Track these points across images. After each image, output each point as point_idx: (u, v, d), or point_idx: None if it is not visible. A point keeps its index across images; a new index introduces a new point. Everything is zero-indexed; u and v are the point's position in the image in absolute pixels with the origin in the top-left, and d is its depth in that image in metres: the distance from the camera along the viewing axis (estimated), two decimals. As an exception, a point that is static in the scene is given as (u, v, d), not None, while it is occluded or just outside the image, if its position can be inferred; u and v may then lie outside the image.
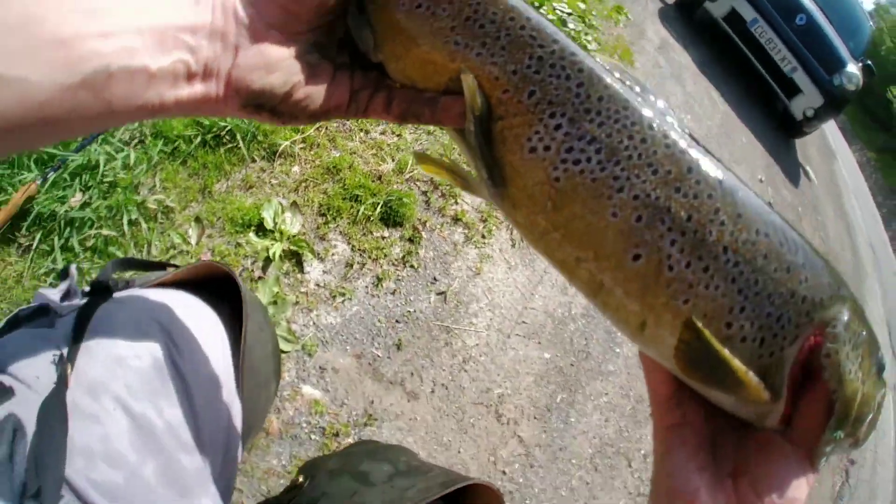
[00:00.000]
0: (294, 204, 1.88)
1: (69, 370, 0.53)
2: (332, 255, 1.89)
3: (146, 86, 0.35)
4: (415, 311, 1.95)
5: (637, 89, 0.43)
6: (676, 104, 4.58)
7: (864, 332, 0.40)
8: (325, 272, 1.86)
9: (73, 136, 0.32)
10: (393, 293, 1.94)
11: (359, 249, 1.93)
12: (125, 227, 1.63)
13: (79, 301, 0.70)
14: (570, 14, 3.86)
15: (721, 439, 0.43)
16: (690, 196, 0.39)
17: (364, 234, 1.96)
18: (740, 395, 0.38)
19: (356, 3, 0.45)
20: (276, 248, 1.77)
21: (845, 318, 0.39)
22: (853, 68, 5.74)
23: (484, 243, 2.22)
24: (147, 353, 0.61)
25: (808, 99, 5.79)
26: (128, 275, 0.85)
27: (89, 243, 1.60)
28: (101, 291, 0.71)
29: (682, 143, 0.40)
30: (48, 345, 0.58)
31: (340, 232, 1.93)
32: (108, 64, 0.33)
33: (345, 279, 1.88)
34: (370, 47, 0.46)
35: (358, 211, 1.94)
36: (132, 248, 1.64)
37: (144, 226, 1.66)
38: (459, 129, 0.45)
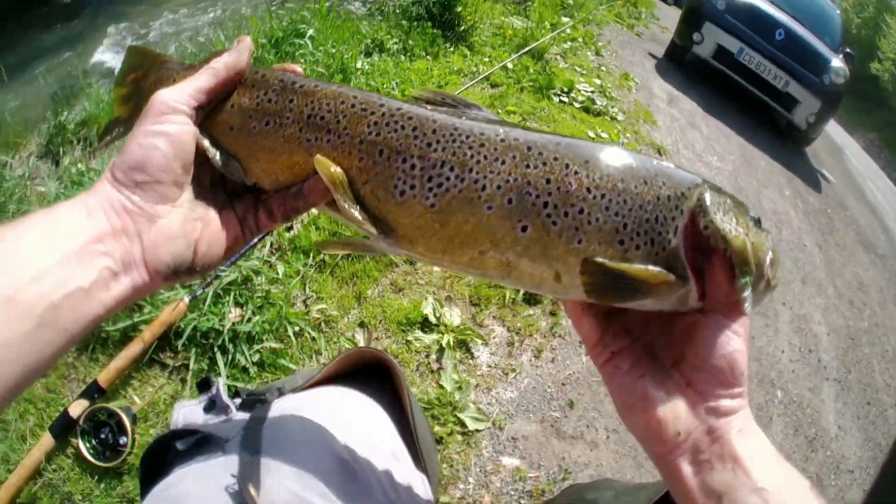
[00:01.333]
0: (448, 298, 2.18)
1: (256, 497, 0.54)
2: (493, 337, 2.15)
3: (87, 301, 0.40)
4: (574, 373, 2.17)
5: (461, 108, 0.51)
6: (701, 150, 4.90)
7: (728, 200, 0.49)
8: (491, 354, 2.10)
9: (46, 371, 0.42)
10: (552, 361, 2.18)
11: (514, 329, 2.19)
12: (292, 339, 1.82)
13: (233, 415, 0.71)
14: (593, 91, 4.33)
15: (653, 351, 0.50)
16: (540, 165, 0.46)
17: (514, 315, 2.23)
18: (654, 291, 0.45)
19: (214, 144, 0.50)
20: (447, 339, 2.01)
21: (707, 196, 0.47)
22: (837, 62, 6.07)
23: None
24: (328, 459, 0.61)
25: (806, 106, 6.04)
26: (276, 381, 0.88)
27: (255, 358, 1.73)
28: (259, 404, 0.72)
29: (514, 133, 0.48)
30: (224, 473, 0.58)
31: (494, 317, 2.21)
32: (51, 300, 0.38)
33: (510, 356, 2.12)
34: (241, 175, 0.51)
35: (504, 296, 2.24)
36: (302, 358, 1.82)
37: (310, 335, 1.87)
38: (335, 208, 0.50)
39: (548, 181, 0.46)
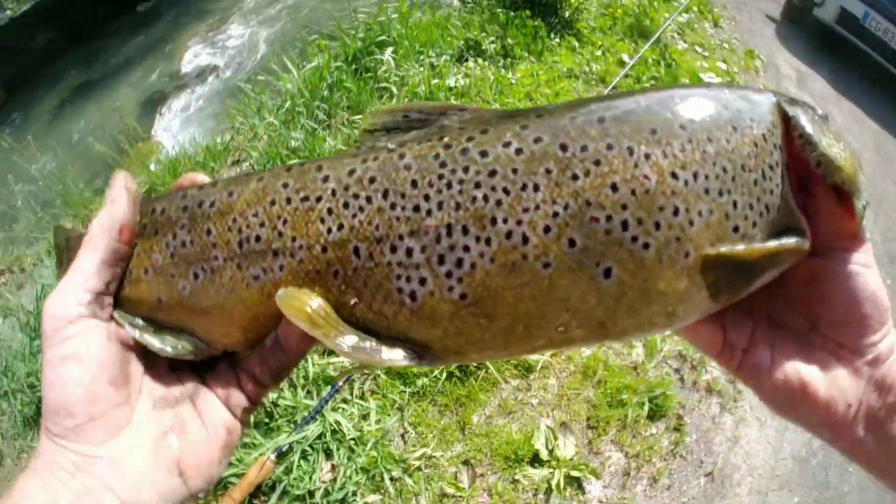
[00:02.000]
0: (563, 424, 1.84)
1: None
2: (609, 466, 1.83)
3: None
4: (688, 500, 1.86)
5: (435, 118, 0.37)
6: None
7: (809, 110, 0.39)
8: (604, 487, 1.80)
9: None
10: (668, 489, 1.87)
11: (632, 455, 1.86)
12: (388, 487, 1.62)
13: None
14: (719, 79, 3.68)
15: (783, 324, 0.43)
16: (592, 167, 0.33)
17: (634, 436, 1.89)
18: (783, 261, 0.36)
19: (149, 329, 0.39)
20: (557, 477, 1.72)
21: (800, 117, 0.37)
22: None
23: (736, 406, 2.09)
24: None
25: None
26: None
27: None
28: None
29: (530, 129, 0.34)
30: None
31: (612, 441, 1.87)
32: None
33: (624, 489, 1.82)
34: (205, 350, 0.39)
35: (626, 416, 1.88)
36: None
37: (409, 481, 1.65)
38: (330, 350, 0.36)
39: (614, 188, 0.32)
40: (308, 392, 1.72)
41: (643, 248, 0.32)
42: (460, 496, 1.66)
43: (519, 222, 0.32)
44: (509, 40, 3.01)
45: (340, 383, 1.66)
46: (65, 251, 0.49)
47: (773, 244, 0.35)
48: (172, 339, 0.39)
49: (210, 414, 0.40)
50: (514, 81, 2.83)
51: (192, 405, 0.40)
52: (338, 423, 1.65)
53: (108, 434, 0.36)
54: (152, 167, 3.01)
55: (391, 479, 1.64)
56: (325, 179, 0.36)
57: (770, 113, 0.37)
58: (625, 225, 0.32)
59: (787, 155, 0.37)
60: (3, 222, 3.42)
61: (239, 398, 0.41)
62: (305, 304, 0.34)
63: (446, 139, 0.35)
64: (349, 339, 0.33)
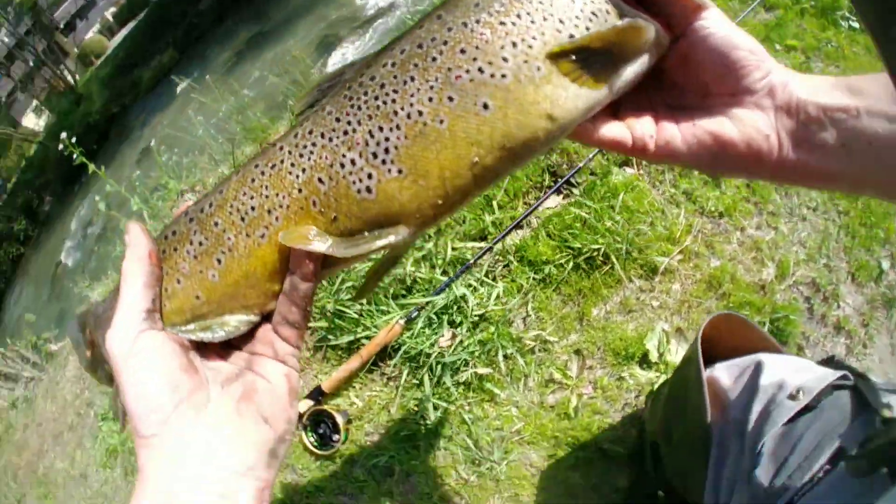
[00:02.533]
0: (678, 330, 1.86)
1: None
2: (714, 376, 1.88)
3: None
4: None
5: (335, 84, 0.48)
6: None
7: None
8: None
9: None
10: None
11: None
12: (500, 363, 1.72)
13: None
14: None
15: (680, 106, 0.49)
16: (443, 46, 0.44)
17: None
18: (629, 47, 0.44)
19: (202, 328, 0.47)
20: (663, 379, 1.79)
21: None
22: None
23: (865, 353, 2.01)
24: None
25: None
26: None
27: (462, 379, 1.71)
28: None
29: (402, 43, 0.45)
30: None
31: (723, 352, 1.89)
32: None
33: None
34: (247, 321, 0.48)
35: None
36: (508, 384, 1.73)
37: (521, 360, 1.74)
38: (346, 261, 0.47)
39: (463, 52, 0.43)
40: (444, 272, 1.79)
41: (502, 78, 0.42)
42: (566, 384, 1.75)
43: (411, 105, 0.43)
44: None
45: (472, 261, 1.72)
46: (86, 329, 0.55)
47: (600, 29, 0.43)
48: (219, 325, 0.47)
49: (268, 372, 0.48)
50: None
51: (252, 372, 0.48)
52: (464, 297, 1.71)
53: (195, 412, 0.42)
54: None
55: (504, 356, 1.73)
56: (281, 148, 0.47)
57: None
58: (480, 70, 0.43)
59: None
60: (188, 150, 3.66)
61: (284, 348, 0.48)
62: (302, 232, 0.45)
63: (348, 83, 0.46)
64: (342, 243, 0.44)
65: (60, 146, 2.89)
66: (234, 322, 0.48)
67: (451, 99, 0.42)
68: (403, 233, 0.45)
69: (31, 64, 21.85)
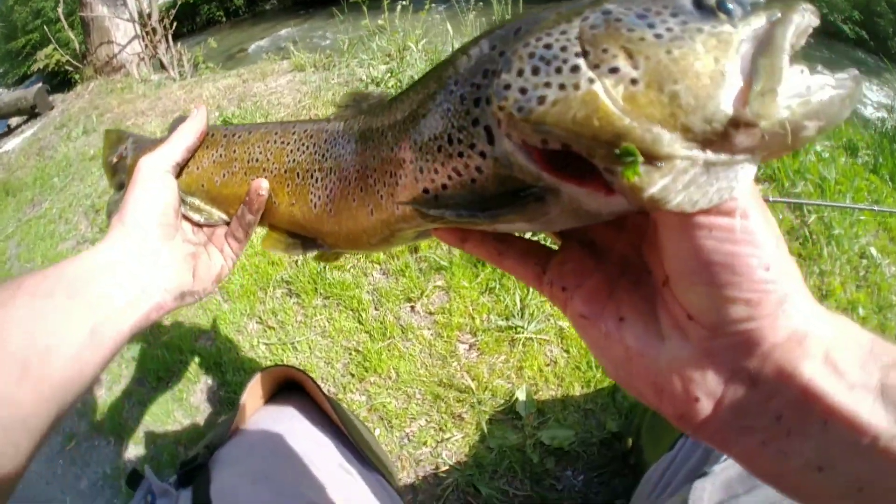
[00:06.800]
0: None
1: None
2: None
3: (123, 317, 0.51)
4: None
5: (360, 105, 0.54)
6: None
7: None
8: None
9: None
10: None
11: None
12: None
13: (177, 496, 0.68)
14: None
15: (634, 272, 0.34)
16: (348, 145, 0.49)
17: None
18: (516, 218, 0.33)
19: (193, 207, 0.62)
20: None
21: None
22: None
23: None
24: (286, 497, 0.62)
25: None
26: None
27: None
28: (197, 473, 0.69)
29: (336, 125, 0.51)
30: None
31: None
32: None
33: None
34: (219, 220, 0.63)
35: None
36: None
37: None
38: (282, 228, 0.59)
39: (380, 161, 0.45)
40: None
41: (380, 198, 0.44)
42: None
43: (349, 172, 0.48)
44: None
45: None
46: (122, 143, 0.73)
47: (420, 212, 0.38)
48: (205, 213, 0.63)
49: (213, 255, 0.62)
50: None
51: (203, 248, 0.62)
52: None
53: (163, 235, 0.56)
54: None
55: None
56: (293, 132, 0.56)
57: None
58: (374, 183, 0.45)
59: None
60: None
61: (228, 251, 0.63)
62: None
63: (341, 121, 0.51)
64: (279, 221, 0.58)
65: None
66: (216, 217, 0.63)
67: (361, 189, 0.46)
68: (325, 247, 0.55)
69: None
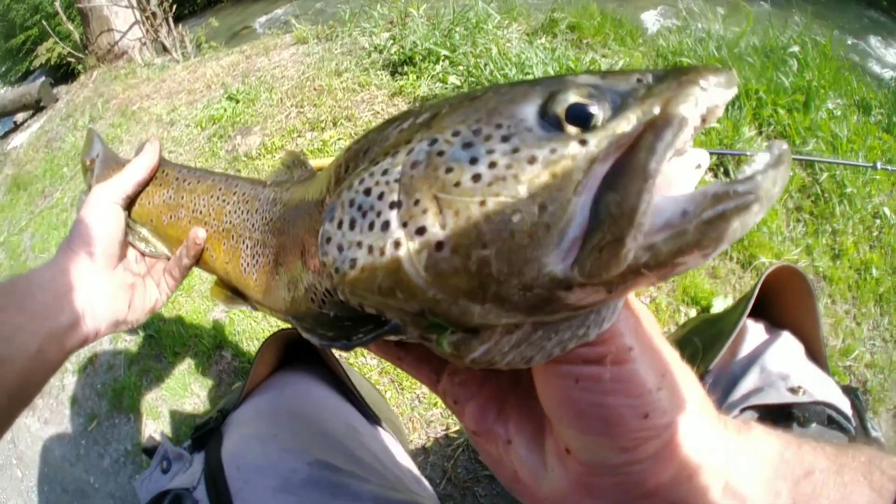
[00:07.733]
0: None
1: None
2: None
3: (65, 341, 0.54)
4: None
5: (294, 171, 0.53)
6: None
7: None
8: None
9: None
10: None
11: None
12: None
13: (191, 459, 0.68)
14: None
15: (527, 393, 0.32)
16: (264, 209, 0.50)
17: None
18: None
19: (139, 237, 0.65)
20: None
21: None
22: None
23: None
24: (301, 470, 0.61)
25: None
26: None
27: None
28: (210, 437, 0.71)
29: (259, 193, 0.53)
30: None
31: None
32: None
33: None
34: (160, 254, 0.66)
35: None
36: None
37: None
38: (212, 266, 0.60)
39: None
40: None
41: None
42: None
43: (275, 250, 0.46)
44: None
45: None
46: (91, 150, 0.75)
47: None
48: (151, 246, 0.66)
49: (149, 289, 0.64)
50: None
51: (142, 280, 0.64)
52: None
53: (108, 266, 0.60)
54: None
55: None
56: (234, 192, 0.56)
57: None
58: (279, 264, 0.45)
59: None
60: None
61: (164, 286, 0.65)
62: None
63: (273, 189, 0.51)
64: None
65: None
66: (160, 250, 0.66)
67: (278, 266, 0.45)
68: (249, 306, 0.55)
69: None
